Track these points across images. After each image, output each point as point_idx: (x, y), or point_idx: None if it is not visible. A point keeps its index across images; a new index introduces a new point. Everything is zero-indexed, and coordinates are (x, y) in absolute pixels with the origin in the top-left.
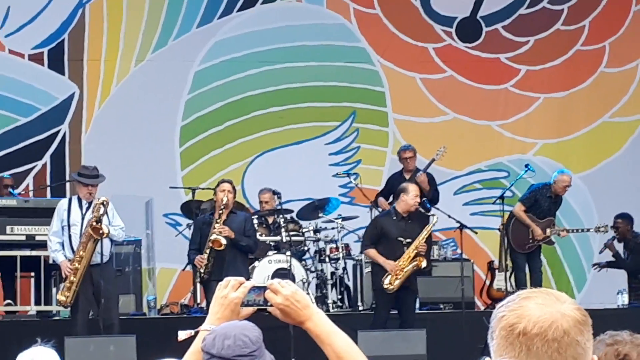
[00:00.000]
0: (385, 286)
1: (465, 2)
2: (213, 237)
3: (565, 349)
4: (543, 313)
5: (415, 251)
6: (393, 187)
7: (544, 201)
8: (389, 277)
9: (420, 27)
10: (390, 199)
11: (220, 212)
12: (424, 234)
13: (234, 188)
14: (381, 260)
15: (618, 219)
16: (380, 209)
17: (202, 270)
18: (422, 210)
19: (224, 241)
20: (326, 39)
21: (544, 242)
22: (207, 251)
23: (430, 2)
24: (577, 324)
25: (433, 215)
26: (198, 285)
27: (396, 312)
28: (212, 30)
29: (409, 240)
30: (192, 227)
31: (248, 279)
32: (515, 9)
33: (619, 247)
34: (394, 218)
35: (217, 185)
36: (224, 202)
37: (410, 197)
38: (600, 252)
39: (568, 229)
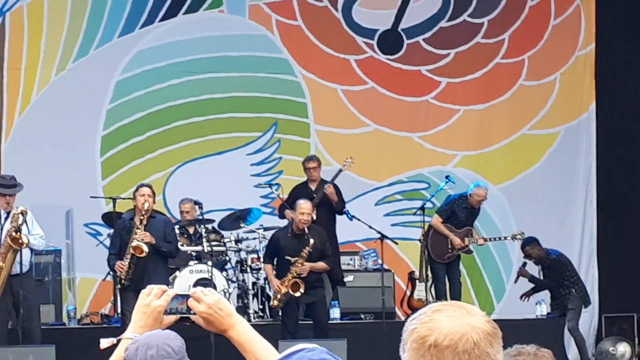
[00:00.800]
0: (271, 304)
1: (387, 14)
2: (134, 243)
3: None
4: (454, 325)
5: (294, 275)
6: (298, 198)
7: (461, 212)
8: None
9: (342, 39)
10: None
11: (142, 217)
12: (303, 256)
13: (153, 192)
14: (270, 278)
15: (526, 246)
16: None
17: (122, 277)
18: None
19: (145, 248)
20: (248, 49)
21: (463, 251)
22: (128, 257)
23: (352, 14)
24: (488, 336)
25: (311, 238)
26: (118, 294)
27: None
28: (134, 39)
29: (297, 258)
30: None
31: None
32: (436, 22)
33: (534, 269)
34: (289, 234)
35: (137, 189)
36: (146, 207)
37: (297, 215)
38: (515, 281)
39: (485, 238)
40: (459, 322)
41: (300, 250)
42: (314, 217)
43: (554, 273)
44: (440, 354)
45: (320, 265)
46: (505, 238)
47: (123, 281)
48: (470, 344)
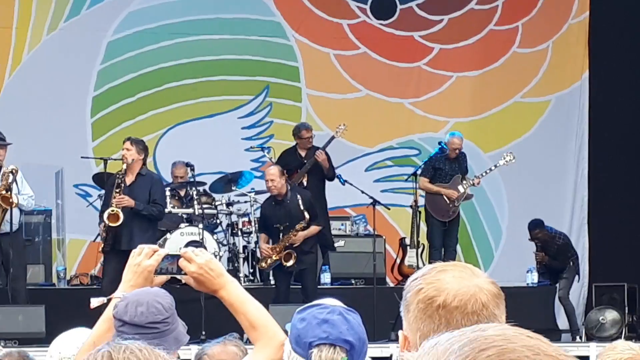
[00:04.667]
0: (259, 266)
1: None
2: (108, 211)
3: (484, 322)
4: (462, 286)
5: (286, 245)
6: (287, 164)
7: (443, 164)
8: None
9: (335, 2)
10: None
11: (119, 180)
12: (297, 229)
13: (137, 145)
14: (260, 244)
15: (535, 229)
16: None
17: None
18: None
19: (121, 216)
20: (241, 12)
21: (464, 199)
22: (104, 224)
23: None
24: (495, 297)
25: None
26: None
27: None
28: (126, 0)
29: (286, 224)
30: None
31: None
32: None
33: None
34: (273, 203)
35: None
36: (126, 164)
37: (266, 183)
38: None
39: (479, 175)
40: (466, 283)
41: (285, 216)
42: (290, 182)
43: (563, 256)
44: (449, 315)
45: (313, 229)
46: (496, 166)
47: (102, 247)
48: (479, 305)
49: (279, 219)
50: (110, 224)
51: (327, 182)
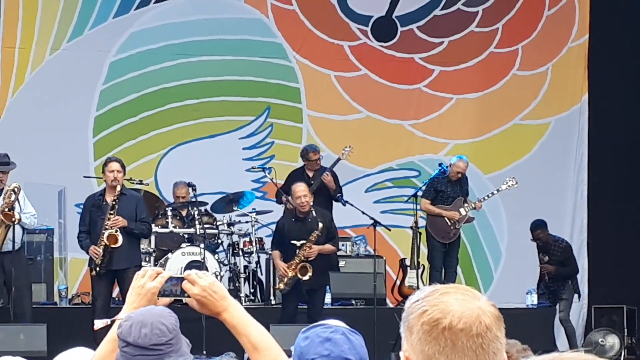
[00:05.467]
0: (277, 287)
1: (381, 1)
2: (107, 233)
3: (489, 344)
4: (466, 309)
5: (302, 259)
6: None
7: (444, 187)
8: (283, 279)
9: (337, 24)
10: None
11: (114, 201)
12: (312, 240)
13: (123, 167)
14: (276, 263)
15: (537, 230)
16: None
17: (97, 263)
18: (315, 211)
19: (120, 239)
20: (243, 33)
21: (465, 221)
22: (102, 245)
23: (347, 0)
24: (496, 319)
25: (321, 222)
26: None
27: (305, 306)
28: (128, 20)
29: (303, 241)
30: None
31: (140, 265)
32: (431, 9)
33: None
34: (293, 219)
35: (105, 163)
36: (117, 186)
37: (295, 200)
38: (541, 279)
39: (481, 199)
40: (470, 306)
41: (305, 234)
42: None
43: (570, 259)
44: (455, 337)
45: (328, 247)
46: (498, 190)
47: (98, 268)
48: (483, 327)
49: (298, 235)
50: (112, 246)
51: (334, 204)
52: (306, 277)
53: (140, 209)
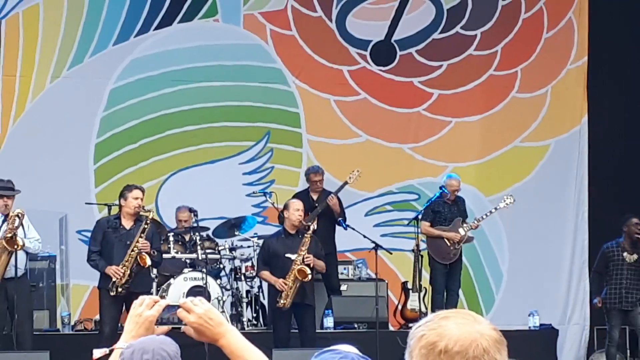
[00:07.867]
0: (278, 304)
1: (380, 25)
2: (138, 253)
3: None
4: (463, 332)
5: (299, 266)
6: None
7: (442, 208)
8: (282, 294)
9: (336, 49)
10: None
11: (146, 226)
12: (305, 246)
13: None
14: (272, 280)
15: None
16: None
17: (117, 284)
18: (305, 227)
19: (149, 262)
20: (242, 59)
21: (464, 242)
22: (127, 265)
23: (345, 25)
24: (496, 343)
25: (308, 225)
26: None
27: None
28: (128, 48)
29: (296, 256)
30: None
31: (150, 290)
32: (429, 33)
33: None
34: (282, 236)
35: (129, 190)
36: (146, 210)
37: (291, 212)
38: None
39: (478, 218)
40: (468, 329)
41: (296, 250)
42: (315, 227)
43: None
44: None
45: (319, 262)
46: (496, 209)
47: (119, 288)
48: (480, 350)
49: (290, 250)
50: (143, 266)
51: (336, 227)
52: (307, 279)
53: (155, 238)
